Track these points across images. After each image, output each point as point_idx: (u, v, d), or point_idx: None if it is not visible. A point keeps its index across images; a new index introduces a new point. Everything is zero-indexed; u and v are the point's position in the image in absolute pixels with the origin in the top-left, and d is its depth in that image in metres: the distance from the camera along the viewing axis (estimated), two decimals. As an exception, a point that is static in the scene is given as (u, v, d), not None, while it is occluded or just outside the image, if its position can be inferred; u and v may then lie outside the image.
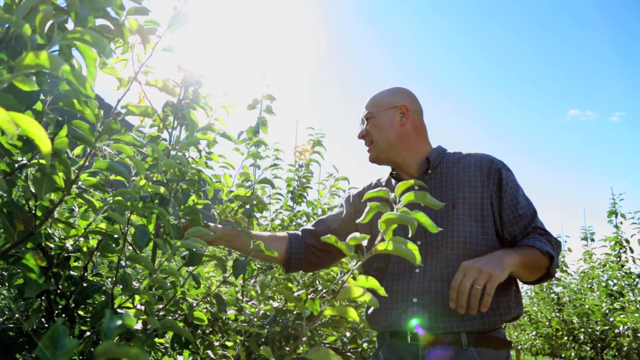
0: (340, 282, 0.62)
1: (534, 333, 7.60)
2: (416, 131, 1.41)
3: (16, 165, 0.82)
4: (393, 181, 1.46)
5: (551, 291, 6.82)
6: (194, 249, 1.05)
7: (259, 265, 1.98)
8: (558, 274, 6.78)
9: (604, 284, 5.18)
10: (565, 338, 6.16)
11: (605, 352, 5.04)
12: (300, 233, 1.50)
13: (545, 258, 1.22)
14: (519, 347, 9.68)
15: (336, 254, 1.49)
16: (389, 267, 1.33)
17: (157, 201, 1.22)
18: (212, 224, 1.40)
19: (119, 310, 1.06)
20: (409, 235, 0.70)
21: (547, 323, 6.88)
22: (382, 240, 0.63)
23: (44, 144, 0.47)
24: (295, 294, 1.84)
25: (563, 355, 6.36)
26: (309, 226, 1.52)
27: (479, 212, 1.28)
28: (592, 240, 6.14)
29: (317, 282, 2.26)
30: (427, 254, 1.28)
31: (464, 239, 1.25)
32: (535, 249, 1.21)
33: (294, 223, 2.44)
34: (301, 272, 2.34)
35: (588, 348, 5.52)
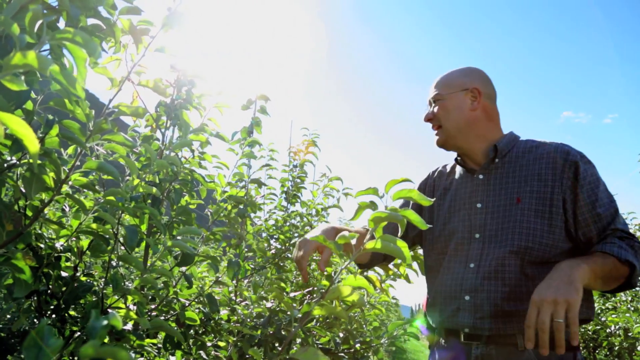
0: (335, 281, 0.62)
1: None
2: (487, 116, 1.31)
3: (5, 165, 0.81)
4: (458, 168, 1.37)
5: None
6: (185, 249, 1.05)
7: (252, 266, 1.98)
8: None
9: (596, 285, 5.21)
10: (558, 338, 6.19)
11: (597, 351, 5.07)
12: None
13: (624, 267, 1.09)
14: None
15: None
16: (444, 260, 1.27)
17: (149, 201, 1.22)
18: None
19: (109, 311, 1.05)
20: (412, 233, 0.68)
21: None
22: (372, 238, 0.63)
23: (32, 144, 0.47)
24: (292, 295, 1.84)
25: (556, 355, 6.40)
26: None
27: (547, 209, 1.16)
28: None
29: (313, 282, 2.26)
30: (483, 249, 1.20)
31: (526, 236, 1.15)
32: (612, 257, 1.07)
33: (287, 223, 2.43)
34: (295, 272, 2.34)
35: (581, 348, 5.55)
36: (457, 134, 1.30)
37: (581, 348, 5.52)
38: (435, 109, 1.33)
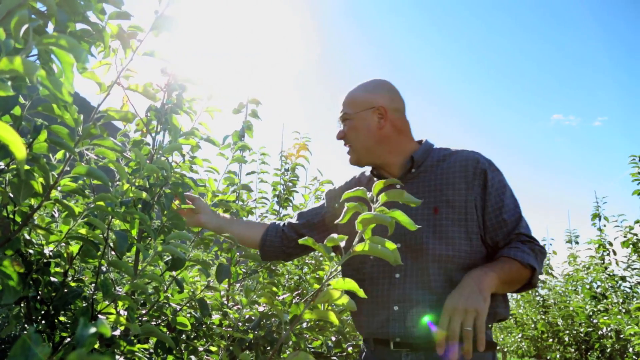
0: (325, 285, 0.62)
1: (519, 335, 7.67)
2: (397, 131, 1.33)
3: (-7, 170, 0.81)
4: (375, 179, 1.39)
5: (537, 294, 6.90)
6: (176, 254, 1.04)
7: (244, 270, 1.97)
8: (543, 277, 6.86)
9: (588, 287, 5.26)
10: (551, 340, 6.23)
11: (589, 353, 5.11)
12: (282, 224, 1.49)
13: (527, 270, 1.18)
14: (505, 350, 9.76)
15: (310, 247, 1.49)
16: (367, 269, 1.28)
17: (140, 206, 1.22)
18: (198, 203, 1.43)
19: (99, 317, 1.05)
20: (387, 235, 0.71)
21: (533, 325, 6.95)
22: (361, 240, 0.63)
23: (19, 150, 0.47)
24: (280, 298, 1.84)
25: (548, 357, 6.43)
26: (290, 220, 1.50)
27: (463, 217, 1.22)
28: (577, 243, 6.23)
29: (305, 285, 2.26)
30: (407, 258, 1.21)
31: (446, 245, 1.19)
32: (516, 262, 1.16)
33: (280, 227, 2.43)
34: (287, 276, 2.34)
35: (573, 350, 5.59)
36: (368, 152, 1.33)
37: (573, 350, 5.55)
38: (345, 129, 1.35)
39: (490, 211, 1.23)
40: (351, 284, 0.63)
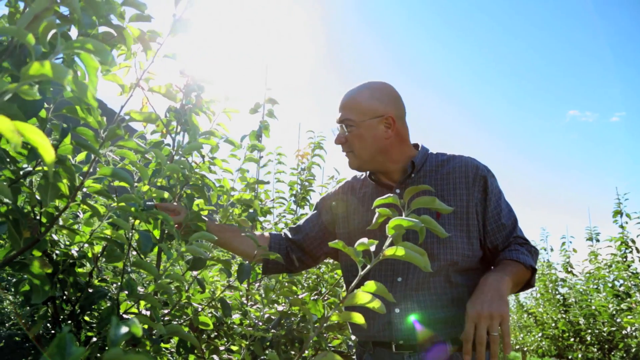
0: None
1: (539, 334, 7.56)
2: (400, 140, 1.32)
3: (21, 173, 0.82)
4: (372, 182, 1.38)
5: (557, 292, 6.78)
6: (199, 254, 1.05)
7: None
8: (563, 275, 6.75)
9: (610, 285, 5.15)
10: (572, 339, 6.12)
11: (612, 353, 5.00)
12: (282, 238, 1.46)
13: (528, 272, 1.23)
14: (525, 349, 9.63)
15: (315, 261, 1.47)
16: (370, 273, 1.26)
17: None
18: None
19: (124, 316, 1.06)
20: (419, 242, 0.71)
21: (553, 324, 6.84)
22: (391, 245, 0.62)
23: (47, 153, 0.48)
24: (300, 297, 1.84)
25: (570, 357, 6.32)
26: (288, 234, 1.46)
27: (465, 222, 1.24)
28: (598, 240, 6.11)
29: (322, 285, 2.26)
30: (409, 263, 1.20)
31: (450, 250, 1.21)
32: (520, 264, 1.20)
33: (297, 226, 2.44)
34: (305, 275, 2.34)
35: (595, 349, 5.48)
36: (371, 160, 1.32)
37: (595, 349, 5.45)
38: (347, 135, 1.31)
39: (490, 216, 1.27)
40: (381, 288, 0.62)
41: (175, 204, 1.29)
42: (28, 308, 1.11)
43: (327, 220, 1.44)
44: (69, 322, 1.03)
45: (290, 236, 1.45)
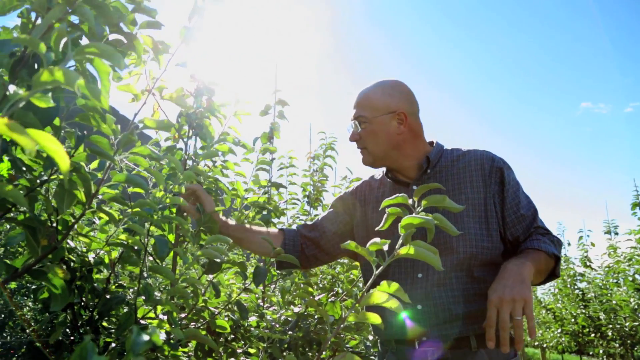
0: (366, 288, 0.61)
1: (559, 330, 7.45)
2: (414, 135, 1.33)
3: (37, 181, 0.83)
4: (389, 181, 1.39)
5: (575, 287, 6.68)
6: (214, 257, 1.05)
7: (278, 271, 1.98)
8: (581, 269, 6.64)
9: (630, 279, 5.05)
10: (593, 335, 6.02)
11: (635, 348, 4.91)
12: (296, 234, 1.44)
13: (552, 260, 1.21)
14: (544, 345, 9.49)
15: (332, 258, 1.46)
16: (389, 271, 1.27)
17: (174, 210, 1.23)
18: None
19: (142, 322, 1.06)
20: (428, 241, 0.70)
21: (573, 320, 6.74)
22: (403, 244, 0.62)
23: (63, 161, 0.48)
24: (316, 298, 1.84)
25: (591, 353, 6.22)
26: (303, 230, 1.45)
27: (483, 214, 1.23)
28: (616, 233, 6.00)
29: (338, 285, 2.25)
30: None
31: (470, 242, 1.20)
32: (542, 252, 1.18)
33: (311, 227, 2.43)
34: (320, 276, 2.33)
35: (617, 345, 5.38)
36: (384, 156, 1.33)
37: (617, 345, 5.35)
38: (361, 132, 1.33)
39: (509, 207, 1.26)
40: (396, 288, 0.62)
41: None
42: (47, 315, 1.12)
43: (345, 219, 1.44)
44: (87, 328, 1.04)
45: (305, 233, 1.44)
